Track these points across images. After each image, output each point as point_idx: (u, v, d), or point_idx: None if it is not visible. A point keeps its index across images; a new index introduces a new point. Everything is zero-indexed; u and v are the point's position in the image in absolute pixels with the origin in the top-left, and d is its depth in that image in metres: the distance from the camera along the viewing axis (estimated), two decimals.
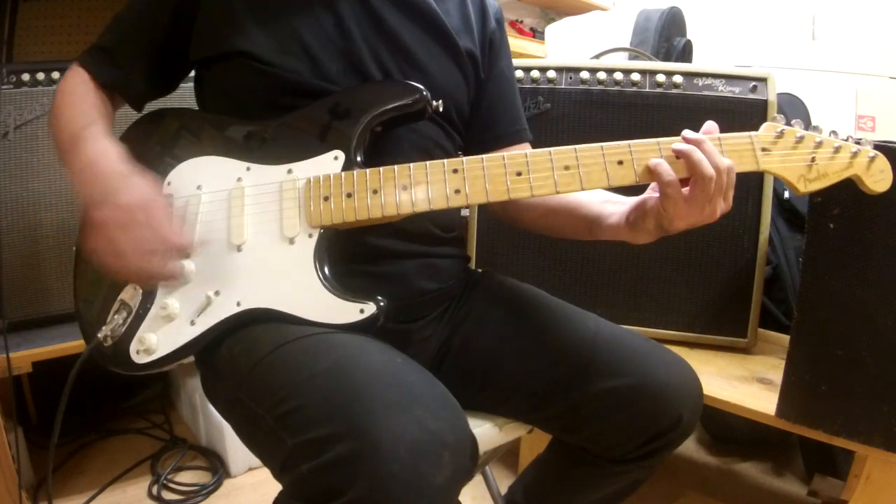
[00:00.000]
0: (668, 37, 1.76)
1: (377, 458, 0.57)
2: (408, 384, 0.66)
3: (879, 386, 0.93)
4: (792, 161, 0.75)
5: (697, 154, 0.72)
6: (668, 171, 0.72)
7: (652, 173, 0.73)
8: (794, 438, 1.67)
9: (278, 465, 0.66)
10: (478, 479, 1.11)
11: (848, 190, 0.91)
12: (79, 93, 0.85)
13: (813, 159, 0.75)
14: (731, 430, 1.71)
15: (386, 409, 0.61)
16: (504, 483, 1.11)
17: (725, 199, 0.74)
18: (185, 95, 1.40)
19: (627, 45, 1.74)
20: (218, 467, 1.57)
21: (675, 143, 0.74)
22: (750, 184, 1.25)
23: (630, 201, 0.81)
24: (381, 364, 0.69)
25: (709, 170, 0.71)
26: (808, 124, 0.79)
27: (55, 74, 1.31)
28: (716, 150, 0.73)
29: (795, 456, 1.68)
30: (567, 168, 0.75)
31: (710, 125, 0.76)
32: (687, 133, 0.74)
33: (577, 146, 0.76)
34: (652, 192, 0.77)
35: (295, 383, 0.66)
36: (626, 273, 1.31)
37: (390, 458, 0.57)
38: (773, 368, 1.21)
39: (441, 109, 0.84)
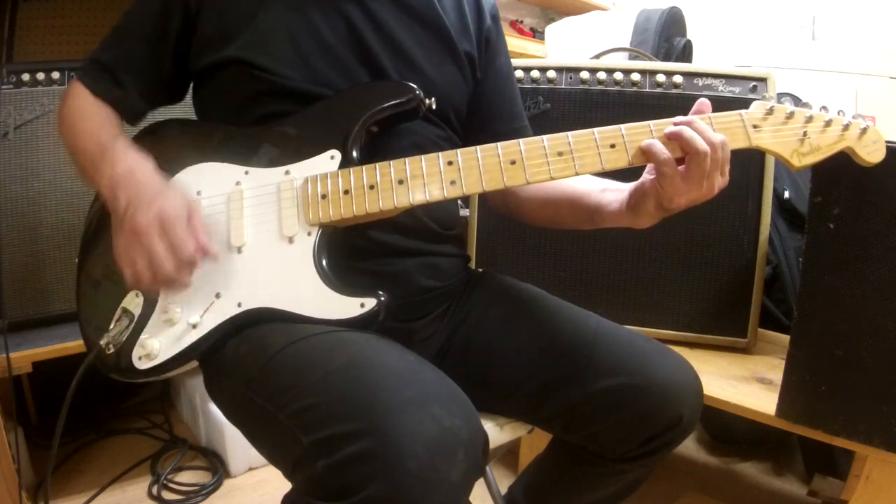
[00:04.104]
0: (668, 37, 1.75)
1: (396, 454, 0.57)
2: (423, 382, 0.66)
3: (879, 386, 0.93)
4: (783, 136, 0.75)
5: (688, 132, 0.73)
6: (661, 149, 0.73)
7: (645, 154, 0.74)
8: (794, 438, 1.67)
9: (291, 463, 0.66)
10: (478, 479, 1.11)
11: (848, 190, 0.91)
12: (90, 108, 0.86)
13: (805, 133, 0.75)
14: (731, 430, 1.71)
15: (403, 406, 0.61)
16: (504, 483, 1.11)
17: (722, 173, 0.74)
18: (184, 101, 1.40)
19: (627, 45, 1.74)
20: (218, 467, 1.57)
21: (667, 126, 0.75)
22: (750, 184, 1.25)
23: (628, 187, 0.81)
24: (395, 362, 0.69)
25: (702, 145, 0.72)
26: None
27: (55, 74, 1.31)
28: (707, 126, 0.73)
29: (795, 456, 1.68)
30: (560, 154, 0.76)
31: (703, 102, 0.77)
32: (677, 118, 0.75)
33: (569, 132, 0.76)
34: (648, 175, 0.78)
35: (309, 381, 0.66)
36: (626, 273, 1.31)
37: (408, 454, 0.57)
38: (773, 368, 1.21)
39: (434, 107, 0.84)
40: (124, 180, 0.76)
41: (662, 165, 0.73)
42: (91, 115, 0.85)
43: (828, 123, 0.75)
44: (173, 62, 0.87)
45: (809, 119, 0.75)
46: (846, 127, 0.75)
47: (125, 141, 0.82)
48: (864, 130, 0.75)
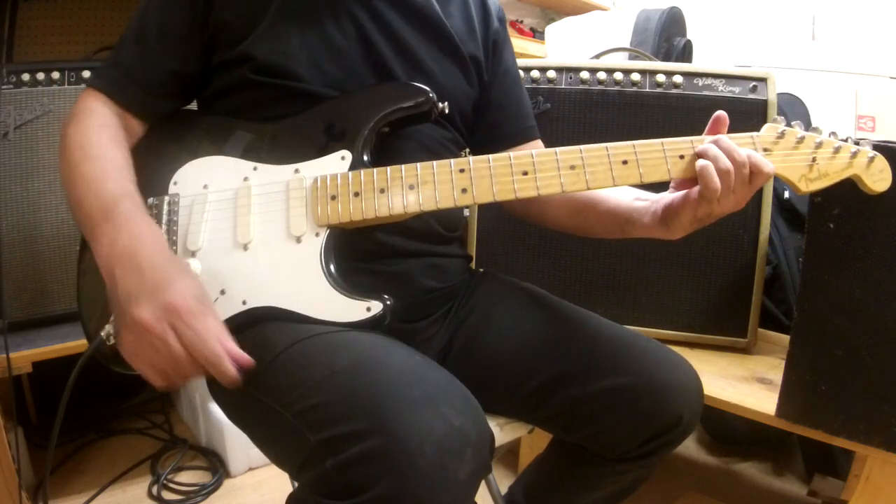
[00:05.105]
0: (668, 37, 1.76)
1: (404, 453, 0.57)
2: (430, 381, 0.66)
3: (879, 386, 0.93)
4: (793, 161, 0.76)
5: (714, 150, 0.73)
6: (714, 178, 0.72)
7: (701, 176, 0.73)
8: (794, 438, 1.67)
9: (298, 462, 0.66)
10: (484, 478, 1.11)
11: (848, 190, 0.91)
12: (102, 142, 0.77)
13: (814, 159, 0.76)
14: (731, 430, 1.71)
15: (412, 405, 0.61)
16: (504, 483, 1.11)
17: (752, 185, 0.75)
18: None
19: (627, 45, 1.74)
20: (218, 467, 1.57)
21: (680, 146, 0.76)
22: None
23: (659, 200, 0.81)
24: (402, 361, 0.69)
25: (727, 164, 0.72)
26: (808, 124, 0.79)
27: (55, 74, 1.31)
28: (732, 145, 0.73)
29: (795, 456, 1.68)
30: (573, 168, 0.76)
31: (721, 116, 0.77)
32: (695, 140, 0.76)
33: (582, 146, 0.76)
34: (677, 190, 0.78)
35: (316, 380, 0.66)
36: (626, 273, 1.31)
37: (417, 453, 0.57)
38: (773, 368, 1.21)
39: (447, 111, 0.84)
40: (125, 259, 0.67)
41: (708, 190, 0.73)
42: (97, 156, 0.75)
43: (837, 150, 0.76)
44: (198, 56, 0.84)
45: (819, 145, 0.76)
46: (854, 154, 0.76)
47: (133, 201, 0.72)
48: (871, 159, 0.76)
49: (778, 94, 1.25)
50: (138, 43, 0.83)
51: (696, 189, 0.75)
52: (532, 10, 2.71)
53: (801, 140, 0.76)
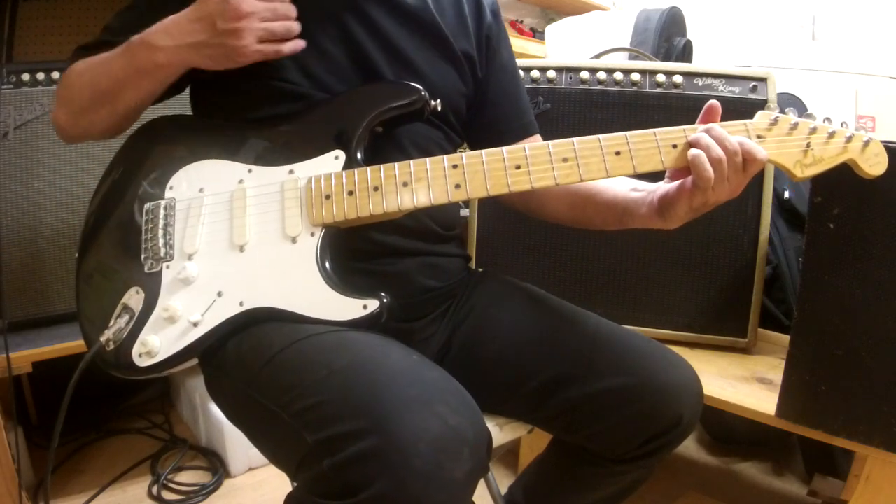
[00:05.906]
0: (668, 37, 1.75)
1: (400, 453, 0.57)
2: (427, 381, 0.66)
3: (879, 386, 0.93)
4: (787, 147, 0.76)
5: (706, 139, 0.73)
6: (706, 167, 0.72)
7: (692, 165, 0.73)
8: (794, 438, 1.67)
9: (295, 462, 0.66)
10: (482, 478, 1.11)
11: (848, 190, 0.91)
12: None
13: (808, 145, 0.76)
14: (731, 430, 1.71)
15: (408, 405, 0.61)
16: (504, 483, 1.11)
17: (747, 173, 0.75)
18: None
19: (627, 45, 1.74)
20: (218, 467, 1.57)
21: (673, 136, 0.75)
22: (750, 184, 1.23)
23: (655, 191, 0.81)
24: (399, 361, 0.69)
25: (718, 153, 0.73)
26: None
27: (55, 74, 1.31)
28: (724, 133, 0.73)
29: (795, 456, 1.68)
30: (566, 160, 0.76)
31: (713, 105, 0.77)
32: (687, 128, 0.75)
33: (575, 138, 0.76)
34: (673, 181, 0.78)
35: (313, 380, 0.66)
36: (626, 273, 1.31)
37: (413, 453, 0.58)
38: (773, 368, 1.21)
39: (440, 109, 0.84)
40: (159, 28, 0.77)
41: (701, 179, 0.72)
42: (89, 62, 0.84)
43: (831, 135, 0.76)
44: None
45: (813, 130, 0.76)
46: (849, 139, 0.75)
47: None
48: (866, 143, 0.76)
49: (778, 94, 1.25)
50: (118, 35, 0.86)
51: (690, 178, 0.74)
52: (532, 10, 2.71)
53: (794, 126, 0.76)
